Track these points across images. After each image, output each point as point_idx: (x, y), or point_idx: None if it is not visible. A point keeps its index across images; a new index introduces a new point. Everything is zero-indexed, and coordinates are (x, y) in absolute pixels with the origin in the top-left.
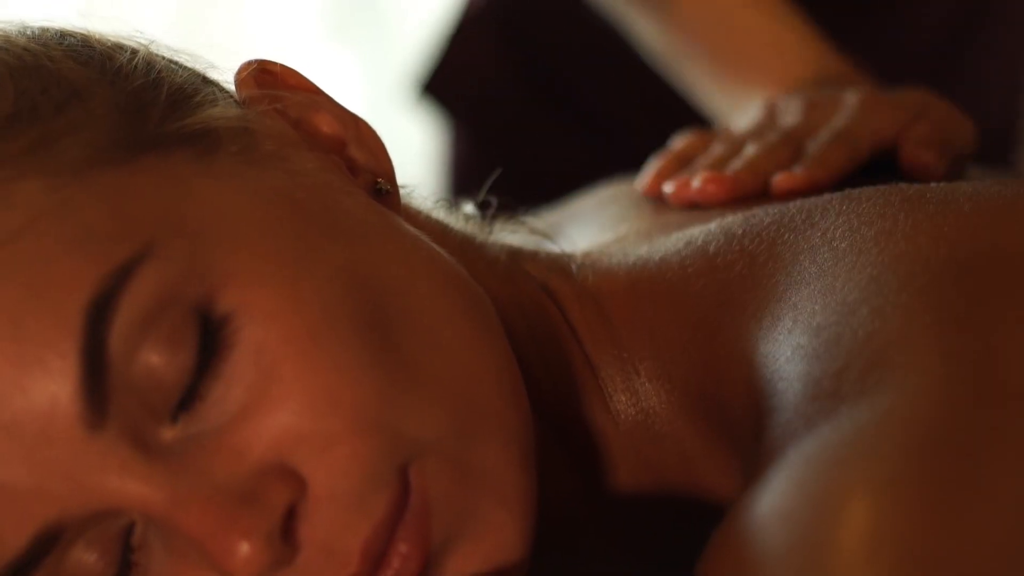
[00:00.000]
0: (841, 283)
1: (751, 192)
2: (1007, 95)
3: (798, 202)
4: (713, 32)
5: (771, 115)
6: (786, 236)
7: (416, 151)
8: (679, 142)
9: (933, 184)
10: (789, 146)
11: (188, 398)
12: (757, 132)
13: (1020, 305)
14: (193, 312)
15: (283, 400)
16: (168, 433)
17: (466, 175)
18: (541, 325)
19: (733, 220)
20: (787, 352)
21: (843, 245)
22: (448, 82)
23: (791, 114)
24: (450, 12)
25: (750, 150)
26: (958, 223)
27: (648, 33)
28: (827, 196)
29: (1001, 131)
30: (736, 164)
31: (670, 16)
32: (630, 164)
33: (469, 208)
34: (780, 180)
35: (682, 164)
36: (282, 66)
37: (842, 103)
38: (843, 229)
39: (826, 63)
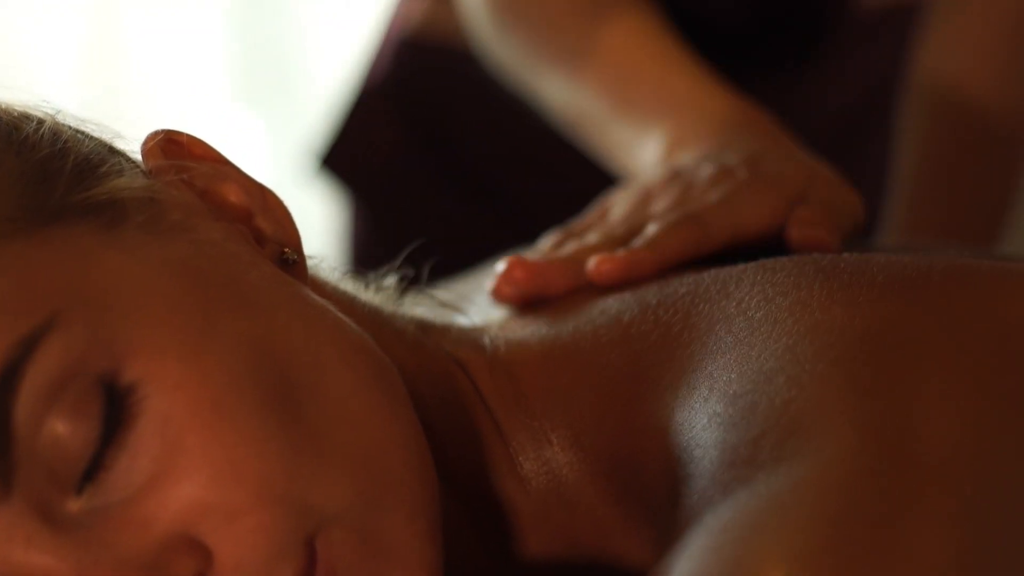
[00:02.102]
0: (757, 352)
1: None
2: None
3: (712, 272)
4: (618, 87)
5: (639, 200)
6: (701, 306)
7: (320, 219)
8: (547, 241)
9: (847, 255)
10: (632, 232)
11: (94, 469)
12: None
13: (931, 376)
14: (98, 383)
15: (188, 471)
16: (74, 504)
17: (366, 249)
18: (450, 394)
19: (647, 290)
20: (703, 420)
21: (758, 315)
22: (346, 157)
23: (662, 198)
24: (350, 84)
25: (594, 237)
26: (871, 294)
27: (553, 94)
28: (742, 266)
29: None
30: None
31: (579, 73)
32: (532, 237)
33: (377, 280)
34: (598, 262)
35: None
36: (188, 136)
37: (718, 182)
38: (758, 299)
39: (733, 115)
